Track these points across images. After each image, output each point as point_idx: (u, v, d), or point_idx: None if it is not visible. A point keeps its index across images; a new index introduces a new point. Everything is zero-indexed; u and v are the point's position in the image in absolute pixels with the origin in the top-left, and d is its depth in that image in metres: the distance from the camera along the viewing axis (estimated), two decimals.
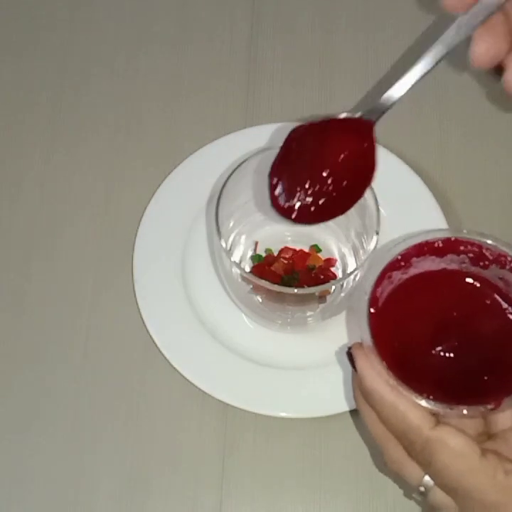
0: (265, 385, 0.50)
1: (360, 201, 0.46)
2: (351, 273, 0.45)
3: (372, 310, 0.38)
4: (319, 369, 0.51)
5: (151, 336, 0.52)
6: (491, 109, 0.61)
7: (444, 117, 0.61)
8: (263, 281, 0.44)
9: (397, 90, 0.40)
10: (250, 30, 0.65)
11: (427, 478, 0.38)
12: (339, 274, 0.53)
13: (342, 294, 0.49)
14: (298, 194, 0.39)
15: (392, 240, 0.45)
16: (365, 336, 0.38)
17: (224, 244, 0.45)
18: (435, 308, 0.41)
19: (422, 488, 0.38)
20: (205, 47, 0.65)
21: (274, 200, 0.39)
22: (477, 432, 0.39)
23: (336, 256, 0.53)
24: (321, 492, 0.49)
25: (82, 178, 0.60)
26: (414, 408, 0.36)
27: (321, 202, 0.39)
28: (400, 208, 0.55)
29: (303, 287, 0.45)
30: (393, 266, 0.40)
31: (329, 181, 0.39)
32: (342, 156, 0.39)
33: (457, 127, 0.61)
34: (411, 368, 0.38)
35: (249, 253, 0.54)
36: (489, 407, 0.36)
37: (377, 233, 0.45)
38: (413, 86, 0.39)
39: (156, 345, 0.51)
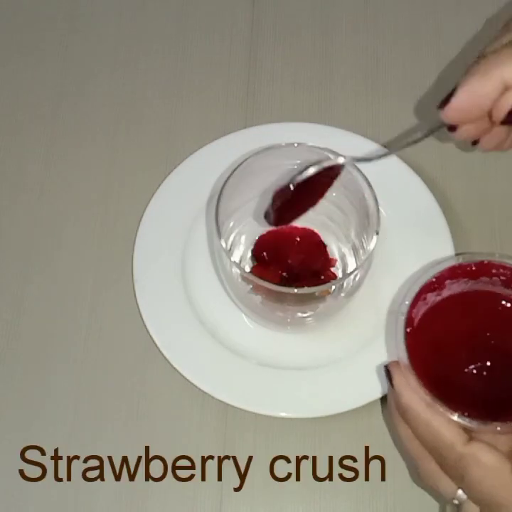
0: (265, 385, 0.50)
1: (361, 201, 0.46)
2: (351, 273, 0.45)
3: (408, 330, 0.40)
4: (319, 369, 0.51)
5: (151, 336, 0.52)
6: None
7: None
8: (263, 281, 0.44)
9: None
10: (250, 30, 0.65)
11: (460, 491, 0.39)
12: (339, 274, 0.53)
13: (342, 294, 0.49)
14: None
15: (428, 263, 0.50)
16: (401, 354, 0.39)
17: (224, 244, 0.45)
18: (468, 328, 0.42)
19: (455, 501, 0.39)
20: (205, 47, 0.65)
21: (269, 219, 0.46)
22: (510, 449, 0.39)
23: (336, 256, 0.53)
24: (321, 492, 0.49)
25: (82, 178, 0.60)
26: (447, 425, 0.38)
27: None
28: (400, 207, 0.55)
29: (303, 287, 0.45)
30: (428, 288, 0.42)
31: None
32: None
33: None
34: (445, 386, 0.39)
35: (249, 253, 0.54)
36: None
37: (377, 233, 0.45)
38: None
39: (156, 345, 0.51)
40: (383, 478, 0.49)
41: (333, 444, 0.50)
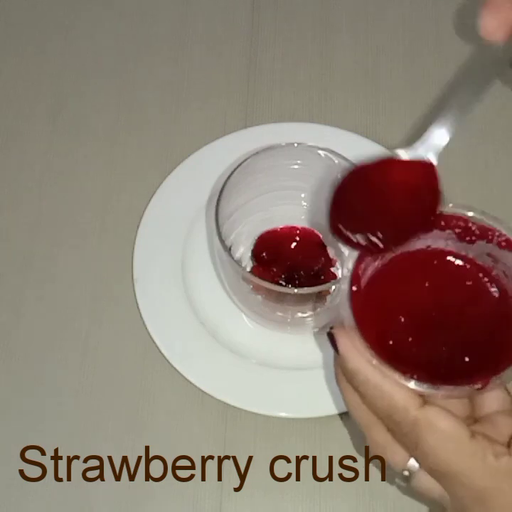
0: (265, 385, 0.50)
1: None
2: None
3: (354, 288, 0.37)
4: (319, 369, 0.51)
5: (151, 336, 0.52)
6: (492, 108, 0.61)
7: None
8: (263, 281, 0.44)
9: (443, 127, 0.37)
10: (250, 30, 0.65)
11: (411, 462, 0.36)
12: (339, 274, 0.53)
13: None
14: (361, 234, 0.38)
15: None
16: (346, 315, 0.36)
17: (224, 245, 0.45)
18: (419, 288, 0.39)
19: (406, 473, 0.37)
20: (205, 47, 0.65)
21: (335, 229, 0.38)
22: (463, 416, 0.37)
23: (336, 256, 0.53)
24: (320, 492, 0.49)
25: (82, 178, 0.60)
26: (400, 388, 0.35)
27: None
28: None
29: (303, 287, 0.45)
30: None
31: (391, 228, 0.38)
32: (405, 204, 0.38)
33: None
34: (394, 349, 0.37)
35: (249, 253, 0.54)
36: (476, 386, 0.35)
37: None
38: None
39: (156, 345, 0.51)
40: (383, 478, 0.49)
41: (333, 444, 0.50)
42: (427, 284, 0.39)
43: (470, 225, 0.39)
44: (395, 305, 0.39)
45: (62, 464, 0.50)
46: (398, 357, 0.36)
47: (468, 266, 0.40)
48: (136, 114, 0.62)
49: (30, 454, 0.50)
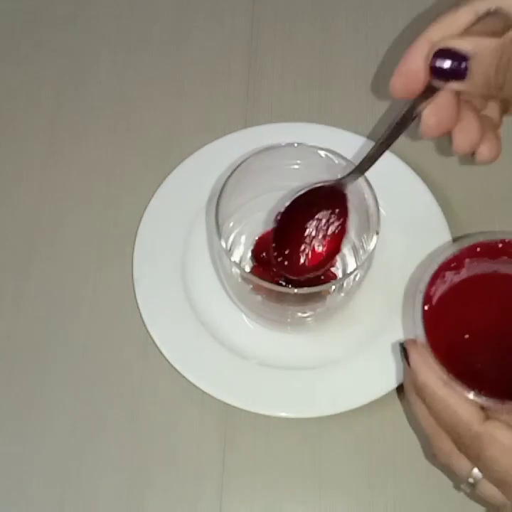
0: (265, 385, 0.50)
1: (361, 201, 0.46)
2: (351, 273, 0.45)
3: (426, 307, 0.40)
4: (319, 369, 0.51)
5: (151, 336, 0.52)
6: None
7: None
8: (263, 281, 0.44)
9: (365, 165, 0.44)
10: (250, 30, 0.65)
11: (476, 470, 0.39)
12: (339, 274, 0.53)
13: (342, 294, 0.49)
14: (294, 256, 0.47)
15: (447, 242, 0.52)
16: (419, 332, 0.39)
17: (224, 244, 0.45)
18: (487, 309, 0.42)
19: (471, 480, 0.39)
20: (205, 47, 0.65)
21: (279, 266, 0.47)
22: None
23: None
24: (320, 492, 0.49)
25: (82, 178, 0.60)
26: (464, 403, 0.38)
27: (310, 258, 0.47)
28: (400, 207, 0.55)
29: (303, 287, 0.45)
30: (447, 266, 0.42)
31: (314, 243, 0.47)
32: (321, 219, 0.46)
33: None
34: (463, 366, 0.39)
35: (249, 253, 0.54)
36: None
37: (377, 233, 0.45)
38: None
39: (156, 345, 0.51)
40: (383, 478, 0.49)
41: (333, 444, 0.50)
42: (493, 305, 0.43)
43: None
44: (464, 324, 0.42)
45: (62, 464, 0.50)
46: (467, 373, 0.38)
47: None
48: (136, 114, 0.62)
49: (30, 454, 0.50)
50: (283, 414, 0.49)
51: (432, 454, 0.42)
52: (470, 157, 0.41)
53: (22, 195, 0.59)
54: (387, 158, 0.56)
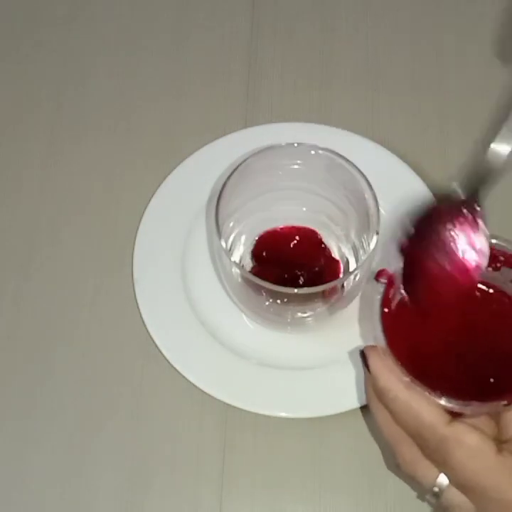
0: (265, 385, 0.50)
1: (361, 201, 0.46)
2: (351, 273, 0.45)
3: (385, 310, 0.39)
4: (319, 369, 0.51)
5: (151, 336, 0.52)
6: (492, 108, 0.61)
7: (445, 117, 0.61)
8: (263, 281, 0.44)
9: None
10: (250, 30, 0.65)
11: (441, 478, 0.37)
12: (340, 274, 0.53)
13: (342, 294, 0.49)
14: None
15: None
16: (378, 334, 0.38)
17: (224, 244, 0.45)
18: (447, 311, 0.41)
19: (436, 489, 0.38)
20: (205, 47, 0.65)
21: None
22: (493, 433, 0.38)
23: (336, 256, 0.53)
24: (321, 492, 0.49)
25: (82, 178, 0.60)
26: (428, 406, 0.36)
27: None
28: (400, 208, 0.55)
29: (303, 287, 0.45)
30: None
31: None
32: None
33: (458, 127, 0.61)
34: (424, 368, 0.38)
35: (249, 253, 0.54)
36: (503, 403, 0.36)
37: (378, 233, 0.45)
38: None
39: (156, 345, 0.51)
40: (383, 478, 0.49)
41: (333, 444, 0.50)
42: (455, 308, 0.41)
43: (495, 252, 0.41)
44: (425, 327, 0.41)
45: (62, 464, 0.50)
46: (428, 376, 0.37)
47: (493, 291, 0.42)
48: (135, 114, 0.62)
49: (30, 454, 0.50)
50: (283, 414, 0.49)
51: (395, 464, 0.40)
52: None
53: (22, 195, 0.59)
54: (387, 158, 0.57)
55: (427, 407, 0.36)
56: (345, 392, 0.50)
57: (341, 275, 0.52)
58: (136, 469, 0.50)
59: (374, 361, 0.38)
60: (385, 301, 0.40)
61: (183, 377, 0.50)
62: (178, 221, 0.56)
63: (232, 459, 0.50)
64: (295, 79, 0.63)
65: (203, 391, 0.50)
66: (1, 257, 0.57)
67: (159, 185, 0.57)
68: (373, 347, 0.39)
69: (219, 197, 0.45)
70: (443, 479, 0.37)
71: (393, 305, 0.40)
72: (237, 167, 0.46)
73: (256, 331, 0.53)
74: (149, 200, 0.56)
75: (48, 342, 0.54)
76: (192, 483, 0.50)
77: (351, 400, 0.49)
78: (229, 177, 0.46)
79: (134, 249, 0.55)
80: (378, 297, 0.39)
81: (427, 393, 0.36)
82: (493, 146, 0.39)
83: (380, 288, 0.40)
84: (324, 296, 0.47)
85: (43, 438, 0.51)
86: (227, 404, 0.50)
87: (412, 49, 0.64)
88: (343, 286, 0.48)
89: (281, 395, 0.50)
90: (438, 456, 0.37)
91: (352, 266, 0.52)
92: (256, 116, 0.61)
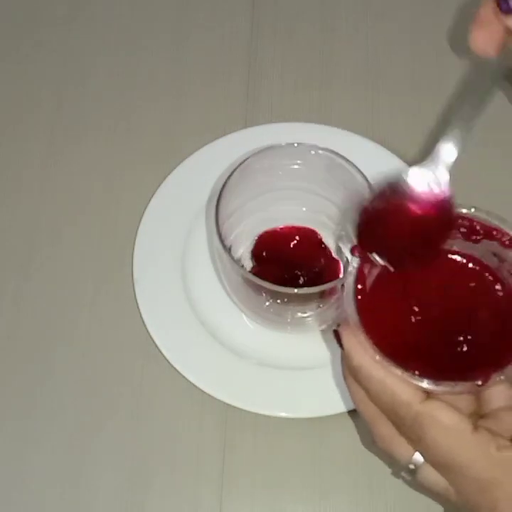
0: (265, 385, 0.50)
1: (361, 201, 0.46)
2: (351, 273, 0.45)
3: (359, 286, 0.38)
4: (319, 369, 0.51)
5: (151, 336, 0.52)
6: (492, 108, 0.61)
7: (445, 117, 0.61)
8: (263, 281, 0.44)
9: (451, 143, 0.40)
10: (250, 30, 0.65)
11: (416, 455, 0.37)
12: (340, 273, 0.53)
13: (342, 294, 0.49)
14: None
15: None
16: (350, 312, 0.37)
17: (224, 245, 0.45)
18: (424, 287, 0.40)
19: (411, 466, 0.37)
20: (205, 47, 0.65)
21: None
22: (468, 412, 0.38)
23: (336, 256, 0.53)
24: (321, 492, 0.49)
25: (82, 178, 0.60)
26: (402, 383, 0.36)
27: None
28: None
29: (303, 287, 0.45)
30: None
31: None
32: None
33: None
34: (398, 346, 0.37)
35: (249, 253, 0.54)
36: (477, 382, 0.35)
37: None
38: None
39: (156, 345, 0.51)
40: (383, 478, 0.49)
41: (333, 443, 0.50)
42: (432, 283, 0.40)
43: (475, 224, 0.39)
44: (400, 303, 0.39)
45: (62, 464, 0.50)
46: (402, 354, 0.36)
47: (473, 265, 0.41)
48: (136, 114, 0.62)
49: (30, 454, 0.50)
50: (283, 414, 0.49)
51: (371, 441, 0.39)
52: None
53: (22, 195, 0.59)
54: (387, 158, 0.57)
55: (401, 384, 0.36)
56: (345, 392, 0.50)
57: (341, 275, 0.52)
58: (136, 469, 0.50)
59: (348, 339, 0.37)
60: (360, 277, 0.38)
61: (183, 377, 0.50)
62: (178, 221, 0.56)
63: (232, 459, 0.50)
64: (295, 79, 0.63)
65: (203, 391, 0.50)
66: (1, 257, 0.57)
67: (159, 185, 0.57)
68: (347, 325, 0.37)
69: (219, 197, 0.45)
70: (419, 457, 0.37)
71: (369, 282, 0.39)
72: (237, 167, 0.46)
73: (256, 331, 0.53)
74: (149, 200, 0.56)
75: (47, 342, 0.54)
76: (192, 483, 0.50)
77: (351, 399, 0.49)
78: (229, 177, 0.46)
79: (134, 249, 0.55)
80: (352, 272, 0.38)
81: (399, 372, 0.36)
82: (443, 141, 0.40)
83: (354, 263, 0.38)
84: (324, 296, 0.47)
85: (43, 438, 0.51)
86: (227, 404, 0.50)
87: (412, 49, 0.64)
88: (343, 286, 0.48)
89: (281, 395, 0.50)
90: (413, 434, 0.36)
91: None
92: (256, 116, 0.61)
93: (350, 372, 0.38)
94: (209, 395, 0.50)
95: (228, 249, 0.51)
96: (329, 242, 0.54)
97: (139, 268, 0.54)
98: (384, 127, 0.61)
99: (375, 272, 0.39)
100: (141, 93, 0.63)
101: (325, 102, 0.62)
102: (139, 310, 0.53)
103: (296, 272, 0.52)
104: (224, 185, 0.46)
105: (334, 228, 0.53)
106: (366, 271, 0.39)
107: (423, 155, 0.39)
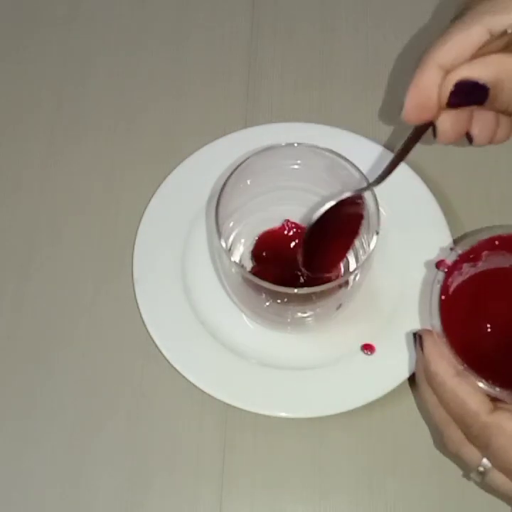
0: (265, 385, 0.50)
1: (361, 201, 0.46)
2: (351, 273, 0.45)
3: (443, 297, 0.41)
4: (319, 369, 0.51)
5: (151, 336, 0.52)
6: None
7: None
8: (263, 281, 0.44)
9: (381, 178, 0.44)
10: (250, 31, 0.65)
11: (485, 459, 0.39)
12: (341, 273, 0.53)
13: (342, 294, 0.49)
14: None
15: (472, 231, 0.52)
16: (435, 321, 0.40)
17: (224, 244, 0.45)
18: (502, 301, 0.43)
19: (480, 469, 0.39)
20: (205, 47, 0.65)
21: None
22: None
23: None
24: (321, 492, 0.49)
25: (82, 178, 0.60)
26: (473, 393, 0.38)
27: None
28: (400, 207, 0.55)
29: (303, 287, 0.45)
30: (465, 258, 0.42)
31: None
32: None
33: None
34: (477, 356, 0.40)
35: (249, 253, 0.54)
36: None
37: (377, 233, 0.45)
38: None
39: (156, 345, 0.51)
40: (383, 478, 0.49)
41: (333, 444, 0.50)
42: (508, 298, 0.43)
43: None
44: (479, 315, 0.43)
45: (62, 464, 0.50)
46: (479, 364, 0.39)
47: None
48: (135, 114, 0.62)
49: (30, 454, 0.50)
50: (283, 414, 0.49)
51: (441, 443, 0.42)
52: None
53: (22, 195, 0.59)
54: (387, 158, 0.57)
55: (471, 394, 0.38)
56: (345, 392, 0.50)
57: (341, 275, 0.52)
58: (136, 469, 0.50)
59: (429, 345, 0.40)
60: (444, 289, 0.41)
61: (183, 377, 0.50)
62: (178, 221, 0.56)
63: (232, 459, 0.50)
64: (295, 79, 0.63)
65: (203, 391, 0.50)
66: (1, 257, 0.57)
67: (159, 185, 0.57)
68: (429, 331, 0.40)
69: (219, 197, 0.45)
70: (487, 460, 0.39)
71: (451, 292, 0.42)
72: (237, 167, 0.46)
73: (256, 331, 0.53)
74: (149, 200, 0.56)
75: (48, 342, 0.54)
76: (192, 483, 0.50)
77: (351, 399, 0.49)
78: (229, 177, 0.46)
79: (134, 249, 0.55)
80: (438, 286, 0.41)
81: (477, 381, 0.38)
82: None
83: (440, 276, 0.41)
84: (324, 296, 0.47)
85: (43, 438, 0.51)
86: (227, 404, 0.50)
87: (413, 48, 0.64)
88: (342, 286, 0.48)
89: (281, 395, 0.50)
90: (480, 442, 0.38)
91: (352, 266, 0.52)
92: (256, 116, 0.61)
93: (425, 377, 0.41)
94: (209, 395, 0.50)
95: (228, 249, 0.51)
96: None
97: (139, 268, 0.54)
98: (384, 127, 0.61)
99: (455, 285, 0.42)
100: (141, 93, 0.63)
101: (325, 102, 0.62)
102: (139, 310, 0.53)
103: (296, 272, 0.52)
104: (224, 185, 0.46)
105: None
106: (450, 283, 0.42)
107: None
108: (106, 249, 0.57)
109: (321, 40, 0.65)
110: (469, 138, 0.40)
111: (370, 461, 0.50)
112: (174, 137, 0.61)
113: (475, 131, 0.39)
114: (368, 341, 0.51)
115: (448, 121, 0.38)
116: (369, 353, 0.50)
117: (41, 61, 0.64)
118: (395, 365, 0.50)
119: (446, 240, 0.54)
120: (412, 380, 0.50)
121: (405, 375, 0.49)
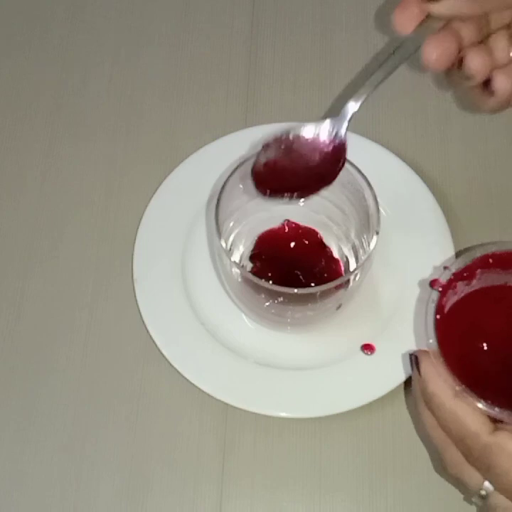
0: (265, 385, 0.50)
1: (361, 201, 0.46)
2: (351, 273, 0.45)
3: (438, 317, 0.40)
4: (319, 369, 0.51)
5: (151, 336, 0.52)
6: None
7: (445, 117, 0.61)
8: (263, 281, 0.44)
9: (356, 100, 0.45)
10: (250, 30, 0.65)
11: (487, 482, 0.38)
12: (342, 272, 0.53)
13: (342, 294, 0.49)
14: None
15: (466, 249, 0.51)
16: (430, 341, 0.39)
17: (224, 244, 0.45)
18: (498, 320, 0.42)
19: (482, 492, 0.38)
20: (205, 47, 0.65)
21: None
22: None
23: (337, 256, 0.53)
24: (321, 492, 0.49)
25: (82, 178, 0.60)
26: (473, 414, 0.37)
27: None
28: (400, 208, 0.55)
29: (303, 287, 0.45)
30: (459, 276, 0.41)
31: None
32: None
33: (457, 127, 0.61)
34: (474, 376, 0.39)
35: (249, 253, 0.54)
36: None
37: (377, 233, 0.45)
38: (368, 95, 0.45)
39: (156, 345, 0.51)
40: (383, 478, 0.49)
41: (333, 444, 0.50)
42: (504, 317, 0.43)
43: None
44: (475, 334, 0.42)
45: (62, 464, 0.50)
46: (477, 383, 0.38)
47: None
48: (136, 115, 0.62)
49: (30, 454, 0.50)
50: (283, 414, 0.49)
51: (441, 467, 0.41)
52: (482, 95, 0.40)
53: (22, 195, 0.59)
54: (387, 158, 0.57)
55: (471, 415, 0.37)
56: (345, 392, 0.50)
57: (341, 275, 0.52)
58: (136, 469, 0.50)
59: (425, 365, 0.39)
60: (439, 309, 0.40)
61: (183, 377, 0.50)
62: (178, 221, 0.56)
63: (232, 459, 0.50)
64: (295, 79, 0.63)
65: (203, 391, 0.50)
66: (1, 257, 0.57)
67: (159, 185, 0.57)
68: (426, 352, 0.39)
69: (219, 197, 0.45)
70: (489, 483, 0.38)
71: (446, 311, 0.41)
72: (237, 167, 0.46)
73: (256, 331, 0.53)
74: (149, 200, 0.56)
75: (47, 342, 0.54)
76: (192, 483, 0.50)
77: (351, 399, 0.49)
78: (229, 177, 0.46)
79: (134, 249, 0.55)
80: (432, 305, 0.40)
81: (475, 402, 0.37)
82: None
83: (435, 296, 0.40)
84: (324, 296, 0.47)
85: (43, 438, 0.51)
86: (227, 404, 0.50)
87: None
88: (342, 286, 0.48)
89: (281, 395, 0.50)
90: (481, 464, 0.37)
91: (352, 266, 0.52)
92: (256, 116, 0.61)
93: (423, 399, 0.39)
94: (209, 395, 0.50)
95: (228, 249, 0.51)
96: (329, 242, 0.53)
97: (139, 268, 0.54)
98: (384, 127, 0.61)
99: (450, 304, 0.42)
100: (141, 93, 0.63)
101: (325, 102, 0.62)
102: (139, 310, 0.53)
103: (296, 272, 0.52)
104: (224, 185, 0.46)
105: (334, 228, 0.53)
106: (444, 303, 0.41)
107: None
108: (106, 249, 0.57)
109: (321, 40, 0.65)
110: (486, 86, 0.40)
111: (370, 461, 0.50)
112: (174, 137, 0.61)
113: (469, 61, 0.39)
114: (367, 341, 0.51)
115: (433, 48, 0.39)
116: (369, 353, 0.50)
117: (41, 61, 0.64)
118: (395, 365, 0.50)
119: (447, 239, 0.54)
120: (407, 386, 0.50)
121: (405, 375, 0.49)
